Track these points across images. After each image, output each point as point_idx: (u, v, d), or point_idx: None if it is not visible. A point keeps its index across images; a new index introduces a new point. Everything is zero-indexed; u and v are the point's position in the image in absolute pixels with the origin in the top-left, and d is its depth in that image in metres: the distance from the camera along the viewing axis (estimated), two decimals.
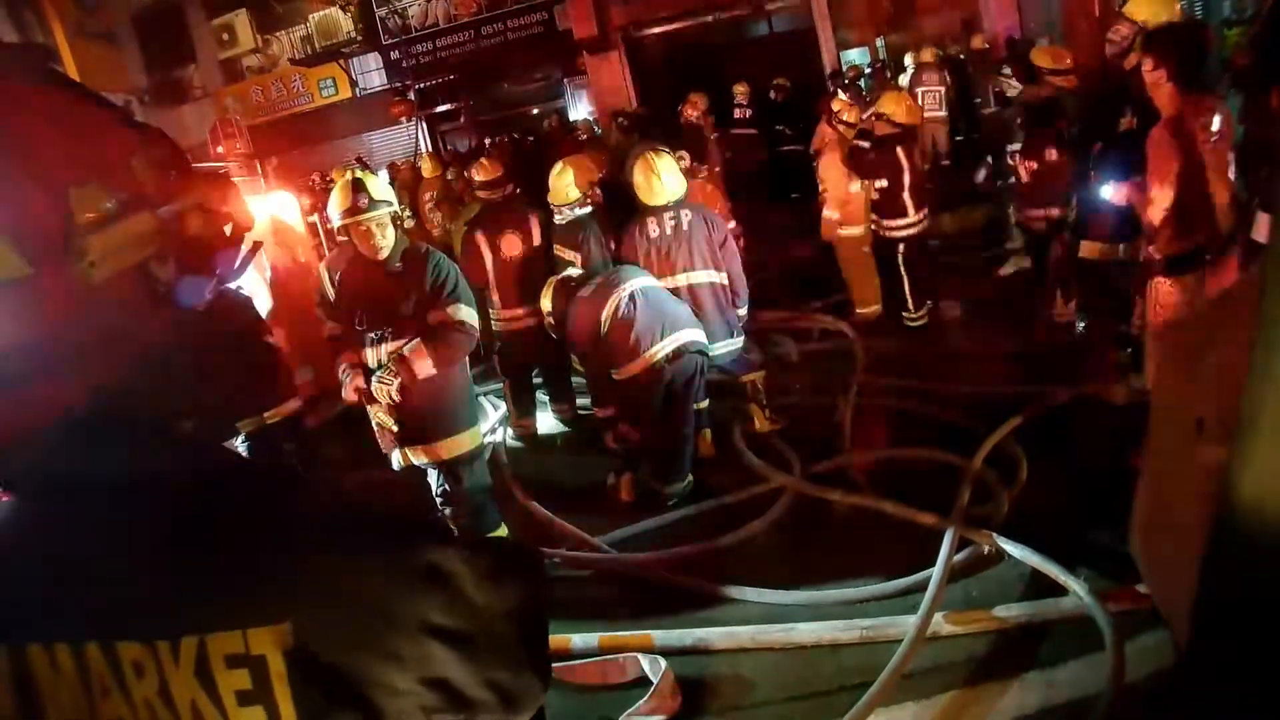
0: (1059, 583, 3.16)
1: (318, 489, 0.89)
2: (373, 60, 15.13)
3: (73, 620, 0.79)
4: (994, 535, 3.56)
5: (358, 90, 15.43)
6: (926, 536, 3.63)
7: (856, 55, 13.38)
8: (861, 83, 11.34)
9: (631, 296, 4.52)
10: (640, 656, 3.22)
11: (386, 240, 3.75)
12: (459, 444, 3.92)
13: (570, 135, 10.35)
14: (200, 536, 0.79)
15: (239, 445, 4.56)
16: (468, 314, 3.78)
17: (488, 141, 13.75)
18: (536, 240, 5.73)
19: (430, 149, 14.63)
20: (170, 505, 0.80)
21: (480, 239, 5.75)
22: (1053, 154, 5.76)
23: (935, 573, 3.31)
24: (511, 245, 5.69)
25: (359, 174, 3.88)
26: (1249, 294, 0.65)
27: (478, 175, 6.05)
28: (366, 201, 3.68)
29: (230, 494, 0.84)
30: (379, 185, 3.77)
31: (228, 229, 0.92)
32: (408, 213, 7.65)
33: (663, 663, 3.14)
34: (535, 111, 15.90)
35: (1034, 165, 5.86)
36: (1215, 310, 0.78)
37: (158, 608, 0.78)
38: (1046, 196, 5.84)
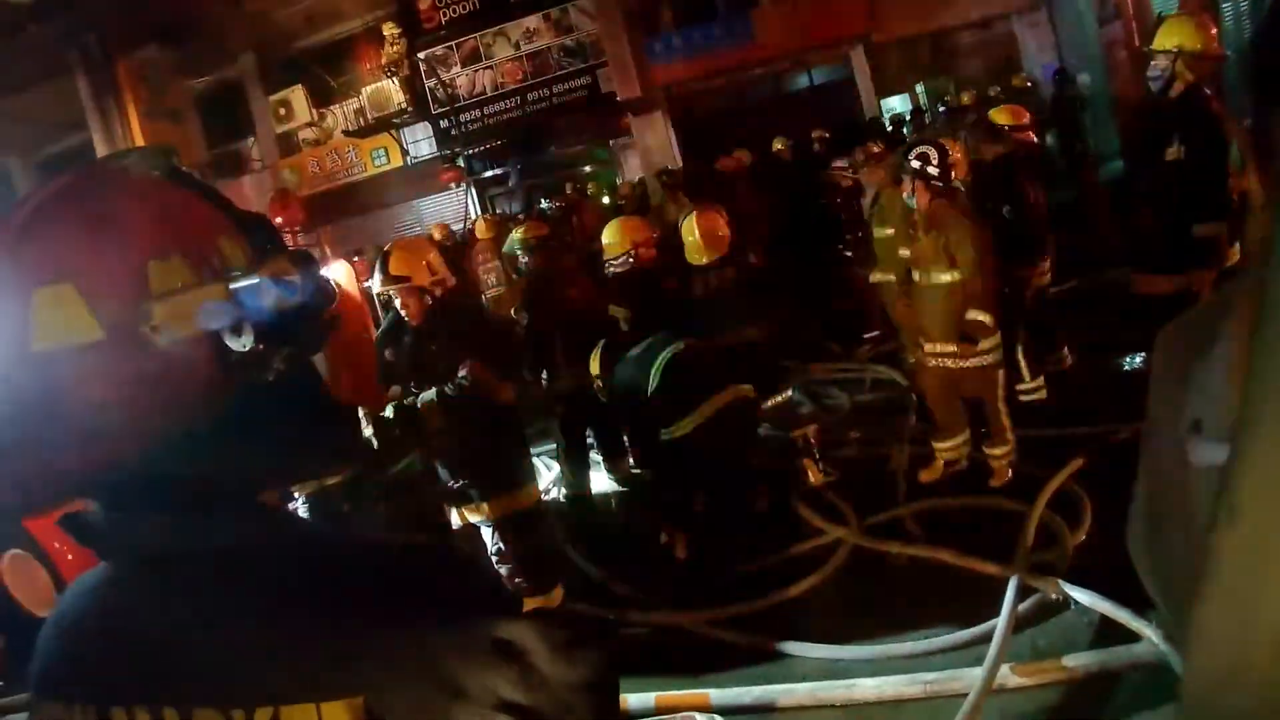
0: (1130, 629, 3.05)
1: (393, 559, 0.89)
2: (422, 129, 15.59)
3: (153, 686, 0.81)
4: (1059, 581, 3.45)
5: (409, 159, 15.89)
6: (989, 586, 3.54)
7: (897, 102, 13.43)
8: (904, 130, 11.37)
9: (677, 357, 4.53)
10: (697, 715, 3.15)
11: (411, 309, 3.99)
12: (513, 501, 3.97)
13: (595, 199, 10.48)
14: (277, 607, 0.81)
15: (298, 507, 4.64)
16: (486, 374, 3.83)
17: (544, 204, 14.04)
18: (585, 298, 5.80)
19: (480, 213, 14.97)
20: (249, 575, 0.82)
21: (530, 297, 5.83)
22: (1006, 212, 5.43)
23: (1000, 623, 3.21)
24: (566, 302, 5.76)
25: (393, 247, 4.09)
26: (1249, 294, 0.64)
27: (520, 234, 6.19)
28: (384, 276, 3.98)
29: (307, 564, 0.86)
30: (399, 260, 3.97)
31: (307, 301, 0.95)
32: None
33: None
34: (588, 169, 16.15)
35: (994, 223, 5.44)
36: (1215, 310, 0.76)
37: (234, 677, 0.79)
38: (1009, 254, 5.39)
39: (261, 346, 0.85)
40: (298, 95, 15.85)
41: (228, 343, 0.83)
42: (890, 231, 6.01)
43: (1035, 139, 5.75)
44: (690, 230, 4.95)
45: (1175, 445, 0.75)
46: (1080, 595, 3.33)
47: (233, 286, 0.83)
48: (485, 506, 3.95)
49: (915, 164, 4.61)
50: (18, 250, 0.78)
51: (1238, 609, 0.62)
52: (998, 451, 4.65)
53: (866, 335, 7.63)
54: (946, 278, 4.57)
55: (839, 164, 8.30)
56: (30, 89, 12.46)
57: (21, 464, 0.78)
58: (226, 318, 0.82)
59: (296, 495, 4.66)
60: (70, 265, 0.77)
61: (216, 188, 0.97)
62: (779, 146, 10.88)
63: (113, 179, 0.86)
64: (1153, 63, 4.64)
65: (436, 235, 11.97)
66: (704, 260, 4.89)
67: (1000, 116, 5.85)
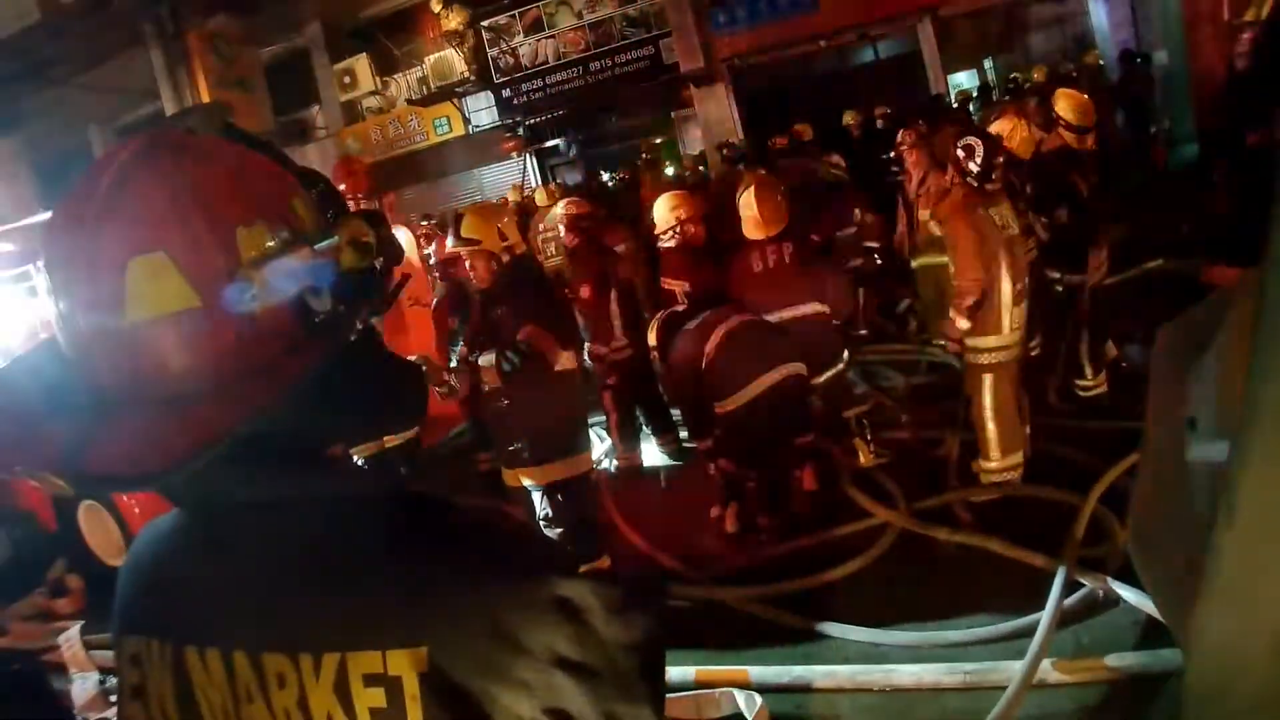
0: None
1: (458, 515, 0.92)
2: (485, 98, 15.64)
3: (225, 629, 0.86)
4: (1108, 578, 3.41)
5: (470, 128, 15.96)
6: (1035, 578, 3.51)
7: (965, 78, 13.08)
8: (970, 106, 11.10)
9: (732, 331, 4.54)
10: (735, 692, 3.20)
11: (479, 271, 4.06)
12: (565, 469, 4.03)
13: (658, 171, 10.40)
14: (345, 558, 0.84)
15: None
16: (545, 340, 3.90)
17: (605, 175, 14.04)
18: (628, 273, 5.83)
19: (541, 183, 15.02)
20: (318, 527, 0.86)
21: (578, 273, 5.85)
22: (1063, 215, 5.13)
23: (1044, 616, 3.19)
24: (605, 278, 5.79)
25: (465, 210, 4.18)
26: (1249, 293, 0.64)
27: (559, 211, 6.19)
28: (456, 238, 4.06)
29: (375, 517, 0.89)
30: (472, 223, 4.05)
31: (379, 263, 0.99)
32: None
33: (758, 699, 3.12)
34: (656, 141, 16.04)
35: (1045, 221, 5.21)
36: (1214, 310, 0.76)
37: (303, 624, 0.83)
38: (1059, 259, 5.23)
39: (341, 308, 0.87)
40: (362, 64, 16.01)
41: (310, 304, 0.85)
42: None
43: (1095, 143, 5.32)
44: (749, 205, 4.92)
45: (1173, 443, 0.75)
46: (1128, 594, 3.28)
47: (316, 248, 0.85)
48: (536, 471, 4.02)
49: (960, 153, 4.50)
50: (105, 221, 0.79)
51: (1238, 608, 0.63)
52: (980, 463, 4.52)
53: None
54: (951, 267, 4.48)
55: (831, 158, 8.13)
56: (108, 60, 12.89)
57: (124, 434, 0.79)
58: (310, 280, 0.85)
59: (356, 458, 4.81)
60: (161, 235, 0.78)
61: (273, 144, 0.99)
62: (849, 120, 10.65)
63: (185, 143, 0.87)
64: (1243, 36, 4.46)
65: (512, 199, 11.95)
66: (762, 236, 4.87)
67: (1064, 109, 5.37)
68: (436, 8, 14.72)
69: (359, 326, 0.91)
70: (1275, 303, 0.60)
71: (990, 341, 4.39)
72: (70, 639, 4.13)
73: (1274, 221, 0.61)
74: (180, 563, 0.92)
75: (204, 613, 0.88)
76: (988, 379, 4.42)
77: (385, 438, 4.88)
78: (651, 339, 5.00)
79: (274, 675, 0.83)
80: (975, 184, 4.43)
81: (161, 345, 0.79)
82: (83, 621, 4.38)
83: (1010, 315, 4.37)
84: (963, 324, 4.37)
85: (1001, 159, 4.50)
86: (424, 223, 9.30)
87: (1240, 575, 0.63)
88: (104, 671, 4.06)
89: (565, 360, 4.06)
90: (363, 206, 7.01)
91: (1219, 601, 0.64)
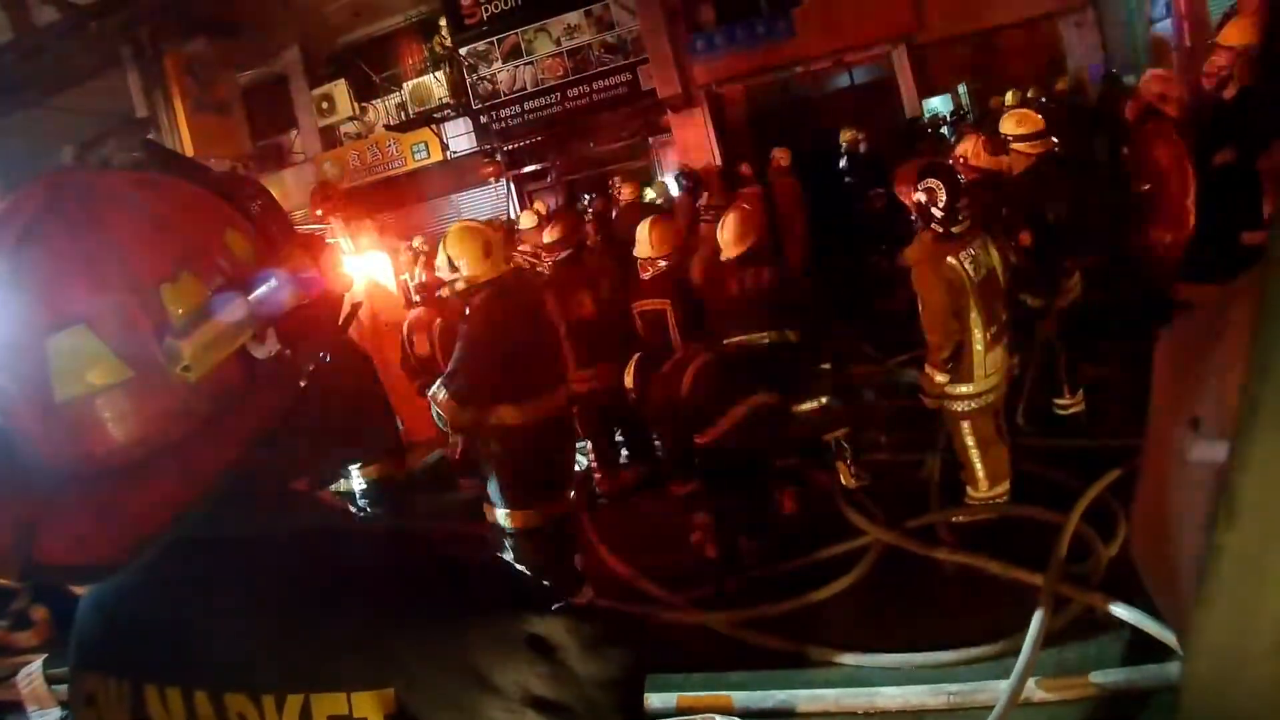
0: (1162, 646, 2.97)
1: (426, 549, 0.90)
2: (463, 124, 15.67)
3: (185, 668, 0.83)
4: (1092, 594, 3.40)
5: (449, 153, 15.98)
6: (1018, 597, 3.49)
7: (939, 103, 13.26)
8: (945, 130, 11.24)
9: (701, 368, 4.52)
10: (718, 718, 3.16)
11: (458, 299, 3.83)
12: (525, 519, 3.78)
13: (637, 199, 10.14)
14: (310, 596, 0.81)
15: (359, 488, 4.69)
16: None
17: (587, 198, 14.05)
18: (606, 299, 5.77)
19: (519, 209, 15.03)
20: (283, 564, 0.83)
21: (551, 300, 5.58)
22: (1026, 238, 4.99)
23: (1029, 635, 3.16)
24: (583, 305, 5.71)
25: (449, 231, 3.96)
26: (1249, 293, 0.63)
27: (545, 238, 6.04)
28: (436, 266, 3.87)
29: (341, 554, 0.86)
30: (445, 244, 3.83)
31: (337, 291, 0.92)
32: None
33: None
34: (614, 177, 16.11)
35: (1015, 244, 4.98)
36: (1215, 309, 0.75)
37: (266, 664, 0.80)
38: (1027, 280, 5.02)
39: (288, 350, 0.83)
40: (340, 90, 16.03)
41: (251, 352, 0.81)
42: None
43: (1047, 150, 5.21)
44: (723, 225, 4.93)
45: (1175, 445, 0.74)
46: (1112, 609, 3.27)
47: (252, 297, 0.80)
48: (495, 514, 3.78)
49: (921, 197, 4.15)
50: (16, 292, 0.74)
51: (1238, 609, 0.62)
52: (969, 492, 4.39)
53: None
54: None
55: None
56: (85, 83, 12.84)
57: (77, 515, 0.75)
58: (249, 328, 0.80)
59: (357, 478, 4.69)
60: (79, 306, 0.73)
61: (195, 161, 0.93)
62: (848, 138, 10.59)
63: (97, 189, 0.80)
64: (1212, 58, 4.52)
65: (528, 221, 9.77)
66: (733, 254, 4.84)
67: (1007, 125, 5.30)
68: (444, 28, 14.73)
69: (311, 367, 0.86)
70: (1275, 302, 0.58)
71: (963, 390, 4.23)
72: (31, 673, 4.00)
73: (1274, 222, 0.60)
74: (141, 599, 0.88)
75: (165, 650, 0.84)
76: (965, 424, 4.29)
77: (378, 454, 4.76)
78: (628, 382, 4.94)
79: (235, 716, 0.80)
80: (941, 230, 4.09)
81: (99, 421, 0.75)
82: (46, 655, 4.26)
83: (984, 363, 4.17)
84: (941, 378, 4.21)
85: (967, 199, 4.12)
86: (415, 244, 9.19)
87: (1240, 576, 0.62)
88: (65, 706, 3.94)
89: (505, 415, 3.70)
90: (337, 229, 6.94)
91: (1219, 602, 0.63)
